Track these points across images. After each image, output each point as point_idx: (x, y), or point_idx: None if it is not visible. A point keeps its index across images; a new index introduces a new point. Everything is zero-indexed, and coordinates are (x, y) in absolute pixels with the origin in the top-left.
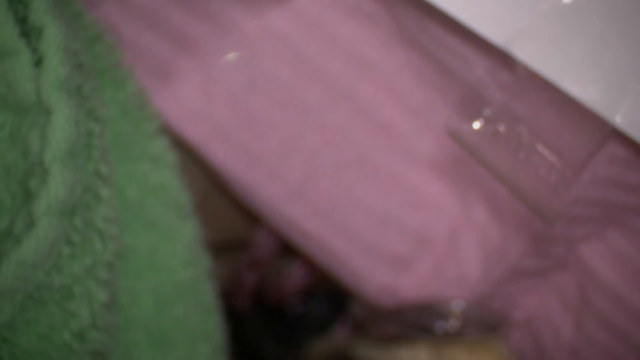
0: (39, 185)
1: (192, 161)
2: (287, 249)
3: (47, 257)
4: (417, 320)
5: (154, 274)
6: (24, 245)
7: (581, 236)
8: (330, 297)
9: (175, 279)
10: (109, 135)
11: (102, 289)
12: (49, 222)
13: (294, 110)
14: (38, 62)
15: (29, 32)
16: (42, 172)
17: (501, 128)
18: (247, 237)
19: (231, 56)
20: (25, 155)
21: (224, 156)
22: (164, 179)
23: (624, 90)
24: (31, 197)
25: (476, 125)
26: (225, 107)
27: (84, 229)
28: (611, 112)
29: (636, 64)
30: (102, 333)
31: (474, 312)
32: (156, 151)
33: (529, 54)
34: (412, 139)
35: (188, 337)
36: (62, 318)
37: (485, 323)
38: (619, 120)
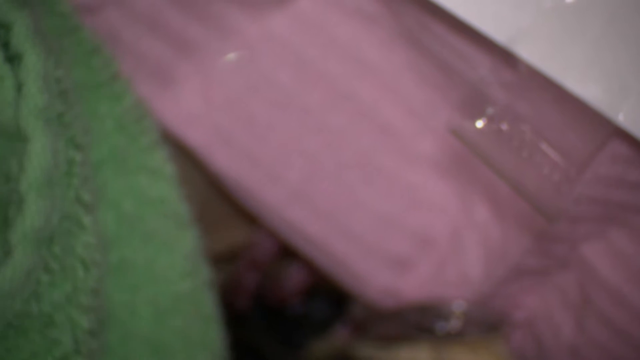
0: (15, 213)
1: (193, 168)
2: (287, 250)
3: (25, 285)
4: (418, 321)
5: (152, 286)
6: (0, 275)
7: (583, 235)
8: (331, 297)
9: (174, 290)
10: (105, 149)
11: (84, 315)
12: (24, 250)
13: (294, 113)
14: (19, 89)
15: (12, 57)
16: (18, 200)
17: (504, 127)
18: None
19: (231, 59)
20: (7, 181)
21: (225, 160)
22: (161, 191)
23: (627, 89)
24: (8, 225)
25: (479, 123)
26: (225, 110)
27: (63, 257)
28: (614, 110)
29: (639, 63)
30: (86, 359)
31: (475, 312)
32: (154, 164)
33: (532, 52)
34: (413, 140)
35: (188, 347)
36: (44, 346)
37: (486, 323)
38: (621, 118)
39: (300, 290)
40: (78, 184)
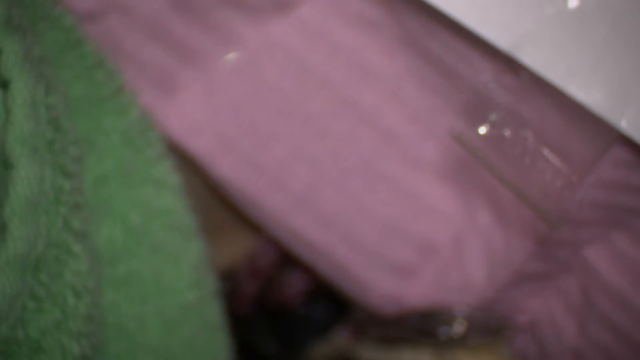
0: None
1: (194, 176)
2: (288, 257)
3: (10, 311)
4: (420, 326)
5: (160, 298)
6: None
7: (585, 239)
8: (332, 298)
9: (182, 301)
10: (111, 163)
11: (74, 341)
12: (7, 277)
13: (297, 120)
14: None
15: (2, 83)
16: (1, 227)
17: (507, 133)
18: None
19: (233, 67)
20: None
21: (228, 167)
22: (167, 203)
23: (629, 95)
24: None
25: (482, 130)
26: (228, 118)
27: (50, 284)
28: (616, 116)
29: None
30: None
31: (478, 317)
32: (159, 175)
33: (535, 58)
34: (416, 146)
35: (195, 356)
36: None
37: (489, 328)
38: (624, 124)
39: (301, 296)
40: (66, 211)
